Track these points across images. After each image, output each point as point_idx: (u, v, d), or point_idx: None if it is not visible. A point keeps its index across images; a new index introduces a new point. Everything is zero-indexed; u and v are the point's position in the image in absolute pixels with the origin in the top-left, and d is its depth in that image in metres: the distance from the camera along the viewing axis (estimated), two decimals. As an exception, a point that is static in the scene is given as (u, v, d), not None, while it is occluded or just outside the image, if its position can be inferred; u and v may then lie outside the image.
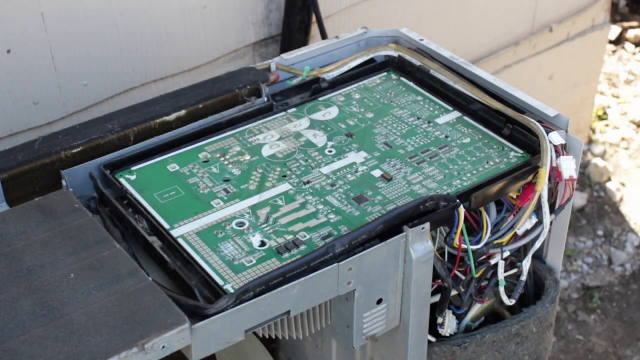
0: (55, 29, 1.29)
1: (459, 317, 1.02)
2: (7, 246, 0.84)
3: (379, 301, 0.90)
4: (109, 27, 1.35)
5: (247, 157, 0.99)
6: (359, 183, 0.95)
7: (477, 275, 0.97)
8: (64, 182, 0.95)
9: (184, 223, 0.90)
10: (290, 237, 0.88)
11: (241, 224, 0.90)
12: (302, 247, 0.87)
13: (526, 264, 0.99)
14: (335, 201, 0.93)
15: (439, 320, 0.99)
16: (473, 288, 0.97)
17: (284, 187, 0.95)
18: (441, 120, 1.05)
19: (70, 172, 0.96)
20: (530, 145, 0.99)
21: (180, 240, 0.88)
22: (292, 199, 0.93)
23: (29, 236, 0.86)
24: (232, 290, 0.82)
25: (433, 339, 0.99)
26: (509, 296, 1.00)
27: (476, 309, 1.02)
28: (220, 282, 0.83)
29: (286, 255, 0.86)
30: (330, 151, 1.00)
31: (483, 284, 0.99)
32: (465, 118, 1.05)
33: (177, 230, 0.89)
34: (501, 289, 0.99)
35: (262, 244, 0.87)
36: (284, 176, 0.96)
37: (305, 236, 0.88)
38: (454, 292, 0.99)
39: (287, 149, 1.00)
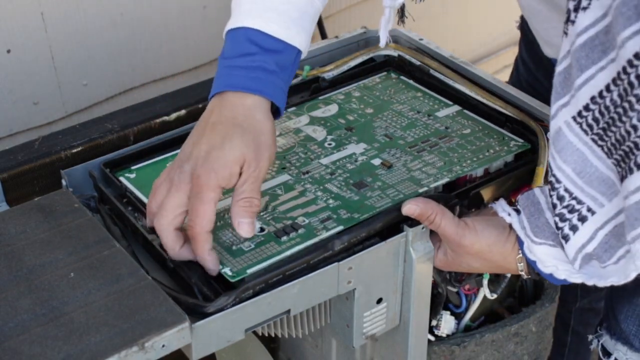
0: (55, 29, 1.29)
1: (458, 317, 1.02)
2: (7, 246, 0.84)
3: (379, 301, 0.90)
4: (108, 27, 1.35)
5: None
6: (358, 171, 0.95)
7: None
8: (63, 182, 0.95)
9: None
10: (289, 222, 0.88)
11: None
12: (301, 231, 0.87)
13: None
14: (334, 188, 0.93)
15: (433, 322, 0.99)
16: (453, 273, 0.97)
17: (283, 178, 0.95)
18: (441, 113, 1.05)
19: (70, 171, 0.96)
20: (530, 144, 0.99)
21: None
22: (291, 188, 0.93)
23: (29, 236, 0.86)
24: (230, 273, 0.82)
25: (432, 338, 0.99)
26: (492, 290, 1.00)
27: (474, 308, 1.02)
28: (219, 266, 0.83)
29: (284, 238, 0.86)
30: (329, 144, 1.00)
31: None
32: (466, 111, 1.05)
33: None
34: (485, 282, 0.99)
35: (262, 230, 0.87)
36: (283, 168, 0.96)
37: (304, 221, 0.88)
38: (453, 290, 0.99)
39: (287, 144, 1.01)
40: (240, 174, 0.82)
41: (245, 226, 0.82)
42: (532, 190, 0.84)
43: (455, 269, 0.92)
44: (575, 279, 0.80)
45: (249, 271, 0.82)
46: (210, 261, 0.81)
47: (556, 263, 0.80)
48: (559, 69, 0.74)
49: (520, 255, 0.85)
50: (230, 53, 0.87)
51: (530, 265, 0.84)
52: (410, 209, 0.86)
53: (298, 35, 0.88)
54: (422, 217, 0.86)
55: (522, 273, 0.86)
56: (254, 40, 0.86)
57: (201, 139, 0.83)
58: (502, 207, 0.86)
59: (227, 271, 0.82)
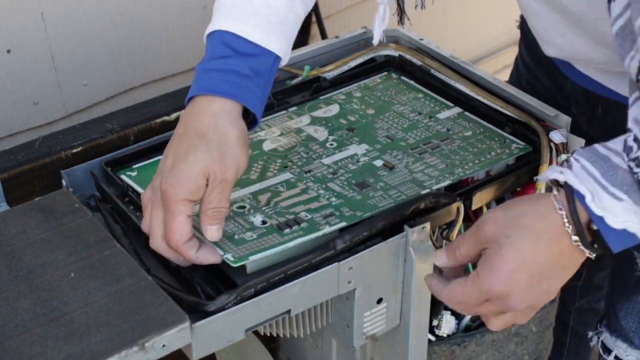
0: (55, 29, 1.29)
1: (459, 317, 1.02)
2: (7, 246, 0.84)
3: (379, 301, 0.90)
4: (108, 27, 1.35)
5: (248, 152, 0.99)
6: (360, 172, 0.95)
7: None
8: (64, 182, 0.95)
9: None
10: (291, 216, 0.88)
11: (242, 207, 0.90)
12: (304, 225, 0.87)
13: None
14: (336, 187, 0.93)
15: (434, 322, 0.99)
16: None
17: (285, 176, 0.95)
18: (442, 115, 1.05)
19: (70, 171, 0.96)
20: (532, 144, 0.99)
21: None
22: (293, 186, 0.93)
23: (29, 236, 0.86)
24: (232, 259, 0.82)
25: (433, 338, 0.99)
26: None
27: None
28: (220, 252, 0.83)
29: (287, 231, 0.86)
30: (331, 144, 1.00)
31: None
32: (467, 114, 1.05)
33: None
34: None
35: (264, 222, 0.87)
36: (285, 167, 0.97)
37: (307, 216, 0.88)
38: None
39: (288, 143, 1.01)
40: (208, 184, 0.81)
41: (212, 232, 0.82)
42: (592, 146, 0.75)
43: (497, 288, 0.75)
44: None
45: (251, 258, 0.82)
46: (205, 259, 0.82)
47: (633, 218, 0.72)
48: (619, 24, 0.71)
49: (567, 212, 0.73)
50: (205, 56, 0.87)
51: (594, 221, 0.72)
52: (440, 260, 0.80)
53: (276, 41, 0.87)
54: (456, 262, 0.80)
55: (573, 235, 0.73)
56: (228, 43, 0.85)
57: (169, 152, 0.83)
58: (550, 170, 0.76)
59: (229, 257, 0.82)
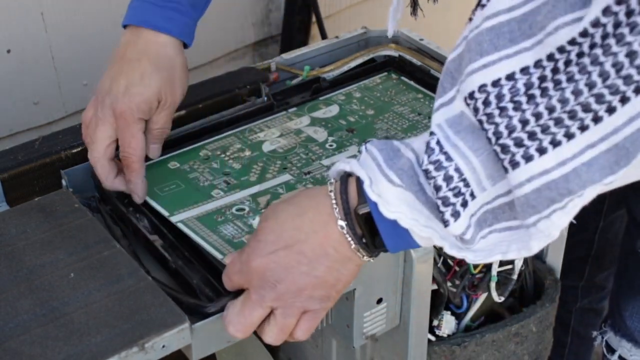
0: (55, 29, 1.30)
1: (459, 317, 1.02)
2: (7, 246, 0.84)
3: (379, 301, 0.90)
4: (109, 27, 1.35)
5: (248, 153, 0.99)
6: None
7: (476, 271, 0.97)
8: (63, 182, 0.95)
9: (184, 210, 0.90)
10: None
11: (241, 210, 0.90)
12: None
13: (518, 262, 0.99)
14: None
15: (434, 322, 0.99)
16: (467, 281, 0.97)
17: (285, 177, 0.95)
18: None
19: (70, 172, 0.96)
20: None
21: (180, 225, 0.87)
22: (293, 188, 0.93)
23: (29, 236, 0.86)
24: None
25: (433, 338, 0.99)
26: (500, 293, 1.00)
27: (475, 308, 1.02)
28: (219, 256, 0.83)
29: None
30: (331, 145, 1.00)
31: (477, 276, 0.99)
32: None
33: (176, 217, 0.89)
34: (492, 285, 0.99)
35: None
36: (285, 168, 0.97)
37: None
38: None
39: (288, 144, 1.01)
40: (158, 107, 0.90)
41: (155, 150, 0.93)
42: (388, 139, 0.71)
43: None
44: (422, 231, 0.67)
45: None
46: (141, 187, 0.90)
47: (405, 209, 0.66)
48: (453, 55, 0.70)
49: (337, 193, 0.70)
50: None
51: (371, 210, 0.68)
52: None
53: None
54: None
55: (339, 220, 0.69)
56: None
57: (120, 75, 0.90)
58: (339, 162, 0.72)
59: (228, 259, 0.82)
